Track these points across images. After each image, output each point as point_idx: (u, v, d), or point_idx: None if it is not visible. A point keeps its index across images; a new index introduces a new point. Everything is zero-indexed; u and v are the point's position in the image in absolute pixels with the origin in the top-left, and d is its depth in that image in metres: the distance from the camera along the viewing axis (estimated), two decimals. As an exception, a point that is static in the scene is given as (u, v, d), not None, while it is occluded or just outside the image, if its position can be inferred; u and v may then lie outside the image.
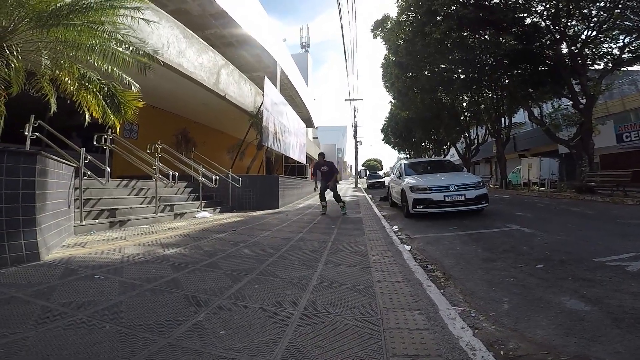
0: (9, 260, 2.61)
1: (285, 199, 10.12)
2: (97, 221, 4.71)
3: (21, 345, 1.49)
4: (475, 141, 22.98)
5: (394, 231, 5.14)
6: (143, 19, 4.57)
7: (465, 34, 13.47)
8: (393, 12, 24.44)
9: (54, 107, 4.45)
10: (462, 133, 23.78)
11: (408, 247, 4.04)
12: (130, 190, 6.41)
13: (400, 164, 9.06)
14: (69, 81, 4.19)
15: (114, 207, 5.22)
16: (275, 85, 14.69)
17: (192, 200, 7.53)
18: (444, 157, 28.10)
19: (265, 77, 11.63)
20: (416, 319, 1.86)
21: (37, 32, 3.89)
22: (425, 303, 2.11)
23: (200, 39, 9.27)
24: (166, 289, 2.26)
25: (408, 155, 40.98)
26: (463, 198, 6.25)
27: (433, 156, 32.36)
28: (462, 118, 22.52)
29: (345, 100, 30.79)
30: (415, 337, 1.65)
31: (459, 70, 16.17)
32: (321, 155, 7.79)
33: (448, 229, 5.35)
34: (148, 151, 7.25)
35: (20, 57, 3.75)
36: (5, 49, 3.57)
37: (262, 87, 11.83)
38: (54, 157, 3.37)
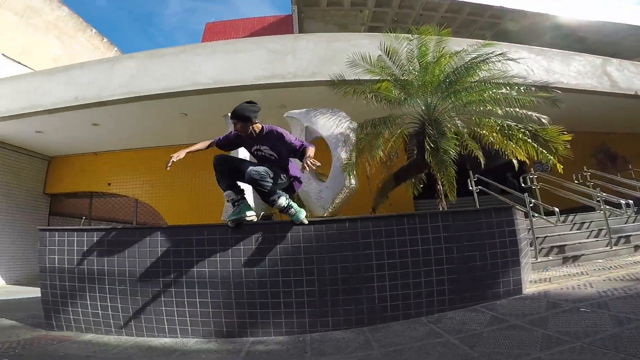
0: (501, 294, 3.34)
1: None
2: (550, 258, 4.94)
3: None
4: None
5: None
6: (510, 59, 4.77)
7: None
8: None
9: (482, 160, 5.38)
10: None
11: None
12: (570, 225, 6.17)
13: None
14: (486, 133, 4.90)
15: (561, 244, 5.26)
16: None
17: (653, 227, 5.85)
18: None
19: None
20: None
21: (444, 101, 4.78)
22: None
23: (553, 49, 8.20)
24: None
25: None
26: None
27: None
28: None
29: None
30: None
31: None
32: (244, 112, 2.87)
33: None
34: (575, 181, 6.88)
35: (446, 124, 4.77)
36: (436, 123, 4.65)
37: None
38: (518, 206, 4.15)
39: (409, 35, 4.93)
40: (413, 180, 5.83)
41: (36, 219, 9.02)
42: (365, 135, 4.61)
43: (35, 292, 6.74)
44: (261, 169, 2.83)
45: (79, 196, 9.54)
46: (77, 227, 3.60)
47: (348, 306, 3.11)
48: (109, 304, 3.32)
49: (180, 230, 3.43)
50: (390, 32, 5.07)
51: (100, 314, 3.34)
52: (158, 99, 6.51)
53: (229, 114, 4.47)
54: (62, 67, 7.71)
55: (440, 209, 4.86)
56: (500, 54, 4.76)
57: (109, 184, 9.04)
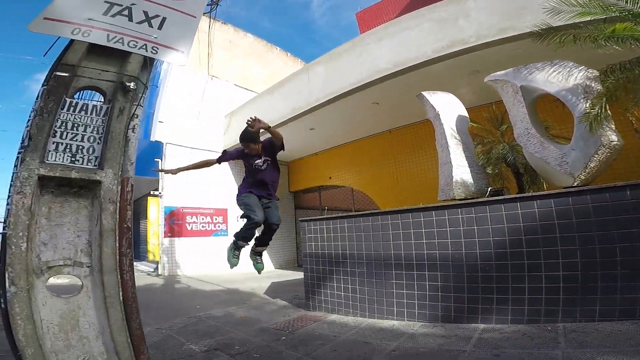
0: None
1: None
2: None
3: None
4: None
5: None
6: None
7: None
8: None
9: None
10: None
11: None
12: None
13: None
14: None
15: None
16: None
17: None
18: None
19: None
20: None
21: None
22: None
23: None
24: None
25: None
26: None
27: None
28: None
29: None
30: None
31: None
32: (250, 135, 3.02)
33: None
34: None
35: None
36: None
37: None
38: None
39: None
40: None
41: (288, 213, 11.87)
42: (615, 81, 3.49)
43: (290, 275, 8.75)
44: (277, 215, 3.20)
45: (310, 191, 11.88)
46: (326, 216, 4.32)
47: (631, 294, 2.46)
48: (349, 286, 3.78)
49: (408, 213, 3.48)
50: None
51: (342, 295, 3.84)
52: (348, 95, 6.99)
53: (422, 93, 4.52)
54: (276, 84, 9.37)
55: None
56: None
57: (330, 178, 10.70)
